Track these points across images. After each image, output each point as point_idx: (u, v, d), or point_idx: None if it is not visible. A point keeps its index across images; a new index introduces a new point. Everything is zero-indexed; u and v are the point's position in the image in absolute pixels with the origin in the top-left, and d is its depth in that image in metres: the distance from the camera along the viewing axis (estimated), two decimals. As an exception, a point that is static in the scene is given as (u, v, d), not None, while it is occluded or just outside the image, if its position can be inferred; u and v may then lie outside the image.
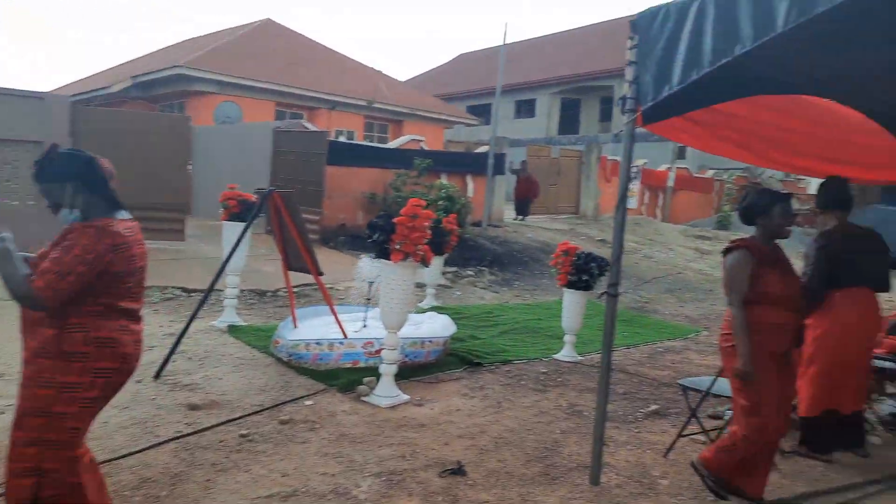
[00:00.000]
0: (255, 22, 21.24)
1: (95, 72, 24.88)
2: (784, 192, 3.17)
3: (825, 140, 5.24)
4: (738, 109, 4.28)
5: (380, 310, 4.62)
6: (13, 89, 8.19)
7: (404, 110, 20.01)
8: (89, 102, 16.00)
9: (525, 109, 30.44)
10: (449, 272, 9.57)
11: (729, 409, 4.04)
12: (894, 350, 4.48)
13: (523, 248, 11.68)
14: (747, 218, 3.18)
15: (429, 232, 4.40)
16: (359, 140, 17.56)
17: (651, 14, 3.03)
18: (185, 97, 16.56)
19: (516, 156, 15.97)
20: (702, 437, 3.88)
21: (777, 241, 3.16)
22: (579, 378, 5.44)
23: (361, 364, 5.10)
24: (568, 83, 28.39)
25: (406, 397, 4.59)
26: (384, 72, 22.14)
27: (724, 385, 3.70)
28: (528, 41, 34.03)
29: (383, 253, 4.35)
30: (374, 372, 4.74)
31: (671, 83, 2.88)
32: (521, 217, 15.20)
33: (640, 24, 3.10)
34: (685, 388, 3.83)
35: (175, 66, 15.75)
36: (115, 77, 18.69)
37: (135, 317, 2.38)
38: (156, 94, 16.95)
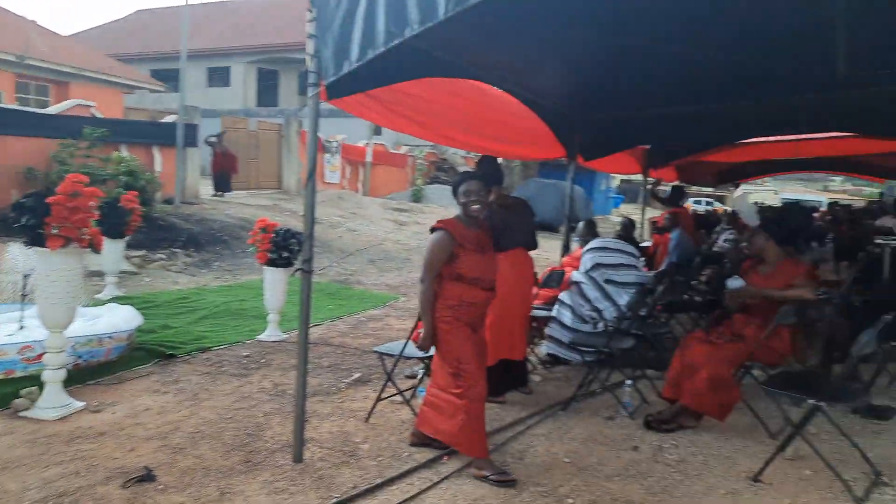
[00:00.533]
0: None
1: None
2: (471, 171, 3.38)
3: (490, 120, 5.94)
4: (414, 89, 4.57)
5: (37, 307, 3.89)
6: None
7: (70, 70, 17.06)
8: None
9: (219, 78, 28.49)
10: (135, 257, 8.57)
11: (420, 369, 4.38)
12: (548, 300, 5.32)
13: (223, 227, 11.02)
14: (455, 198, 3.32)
15: (96, 212, 3.81)
16: (8, 104, 14.51)
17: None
18: None
19: (210, 127, 14.91)
20: (399, 398, 4.12)
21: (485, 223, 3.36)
22: (284, 356, 5.34)
23: (19, 373, 4.26)
24: (266, 52, 27.36)
25: (80, 404, 3.97)
26: (39, 23, 18.59)
27: (414, 348, 3.97)
28: (221, 3, 31.84)
29: (37, 239, 3.64)
30: (37, 381, 3.99)
31: (350, 60, 2.92)
32: (220, 193, 14.31)
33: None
34: (381, 354, 4.01)
35: None
36: None
37: None
38: None
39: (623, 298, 5.00)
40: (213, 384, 4.58)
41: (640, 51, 4.50)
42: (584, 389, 4.26)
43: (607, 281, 5.09)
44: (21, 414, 3.80)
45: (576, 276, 4.99)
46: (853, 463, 3.07)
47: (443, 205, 19.05)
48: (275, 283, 5.88)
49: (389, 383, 3.97)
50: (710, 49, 4.47)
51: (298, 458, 3.33)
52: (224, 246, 10.21)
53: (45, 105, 15.64)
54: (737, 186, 27.45)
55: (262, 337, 5.86)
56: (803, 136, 10.22)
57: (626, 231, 7.14)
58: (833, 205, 16.37)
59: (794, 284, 3.54)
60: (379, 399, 4.00)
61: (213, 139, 14.40)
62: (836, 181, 46.83)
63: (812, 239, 6.62)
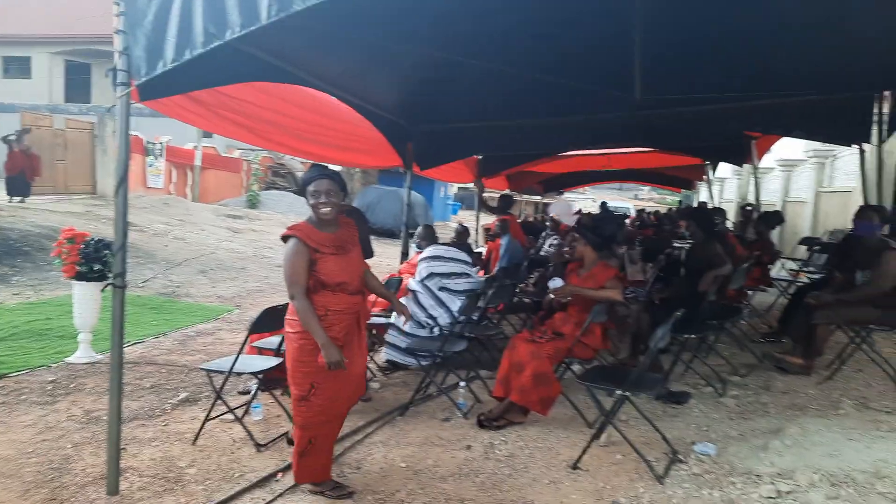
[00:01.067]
0: None
1: None
2: (321, 167, 3.04)
3: (325, 128, 5.88)
4: (243, 93, 4.41)
5: None
6: None
7: None
8: None
9: (18, 68, 25.29)
10: None
11: (254, 384, 4.21)
12: (387, 307, 5.37)
13: (23, 236, 9.75)
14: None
15: None
16: None
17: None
18: None
19: (7, 123, 13.17)
20: (230, 416, 3.92)
21: (347, 219, 3.08)
22: (98, 379, 4.85)
23: None
24: (75, 43, 24.71)
25: None
26: None
27: (247, 361, 3.81)
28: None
29: None
30: None
31: (165, 60, 2.73)
32: (19, 198, 12.66)
33: (126, -11, 2.84)
34: (209, 372, 3.80)
35: None
36: None
37: None
38: None
39: (456, 305, 5.19)
40: (9, 416, 4.05)
41: (466, 65, 4.72)
42: (422, 393, 4.35)
43: (441, 289, 5.25)
44: None
45: (412, 284, 5.09)
46: (656, 445, 3.44)
47: (280, 211, 18.48)
48: (86, 299, 5.32)
49: (219, 401, 3.76)
50: (529, 69, 4.82)
51: (114, 490, 3.05)
52: (25, 258, 9.04)
53: None
54: (561, 194, 29.70)
55: (71, 359, 5.27)
56: (613, 151, 11.38)
57: (461, 238, 7.43)
58: (641, 212, 18.28)
59: (606, 286, 3.91)
60: (207, 419, 3.78)
61: (11, 137, 12.72)
62: (644, 190, 52.45)
63: (623, 243, 7.32)
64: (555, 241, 10.79)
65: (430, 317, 5.11)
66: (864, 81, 5.49)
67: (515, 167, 11.55)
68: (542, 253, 9.95)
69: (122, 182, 3.03)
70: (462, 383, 4.25)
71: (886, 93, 5.62)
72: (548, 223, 12.93)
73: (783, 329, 5.50)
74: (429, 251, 5.40)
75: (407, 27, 3.98)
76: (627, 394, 3.10)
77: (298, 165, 25.28)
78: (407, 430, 3.87)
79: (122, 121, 2.97)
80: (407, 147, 7.08)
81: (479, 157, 9.96)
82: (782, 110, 6.00)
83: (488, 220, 12.30)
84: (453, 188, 33.42)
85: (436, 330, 5.13)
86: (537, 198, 30.68)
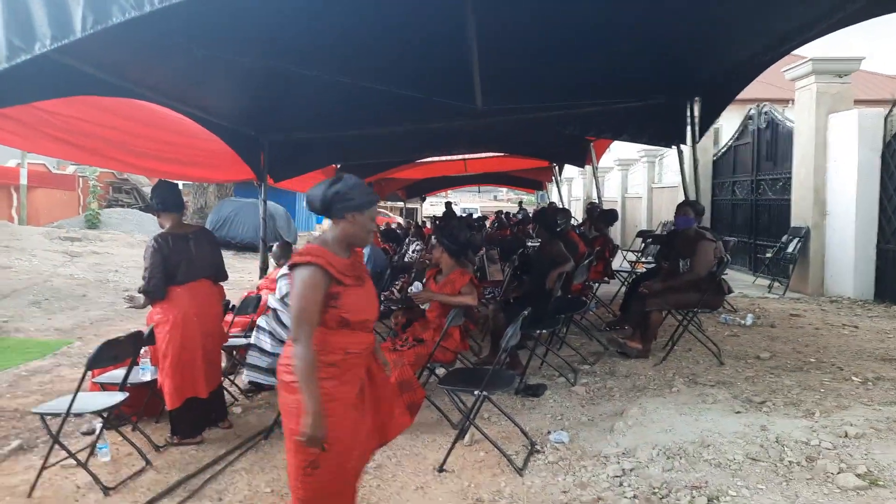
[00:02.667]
0: None
1: None
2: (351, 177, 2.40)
3: (166, 142, 5.57)
4: (66, 108, 4.08)
5: None
6: None
7: None
8: None
9: None
10: None
11: (98, 422, 3.88)
12: (245, 327, 5.18)
13: None
14: (328, 209, 2.34)
15: None
16: None
17: None
18: None
19: None
20: (72, 461, 3.59)
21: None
22: None
23: None
24: None
25: None
26: None
27: (86, 400, 3.51)
28: None
29: None
30: None
31: None
32: None
33: None
34: (43, 415, 3.45)
35: None
36: None
37: None
38: None
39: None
40: None
41: (306, 76, 4.67)
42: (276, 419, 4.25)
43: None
44: None
45: (271, 301, 4.95)
46: (515, 438, 3.63)
47: (126, 230, 17.12)
48: None
49: (57, 446, 3.43)
50: (368, 79, 4.87)
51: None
52: None
53: None
54: (424, 200, 30.21)
55: None
56: (469, 156, 11.82)
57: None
58: (499, 213, 19.06)
59: (462, 292, 4.05)
60: (44, 467, 3.44)
61: None
62: (503, 192, 54.70)
63: (482, 245, 7.61)
64: (418, 247, 10.99)
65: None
66: (679, 89, 6.17)
67: (376, 175, 11.62)
68: (406, 259, 10.08)
69: None
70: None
71: (697, 98, 6.37)
72: (411, 229, 13.12)
73: (625, 317, 6.01)
74: (287, 268, 5.29)
75: (237, 36, 3.87)
76: (485, 393, 3.24)
77: (144, 180, 23.57)
78: (272, 453, 3.76)
79: None
80: (259, 158, 6.89)
81: (338, 166, 9.91)
82: (610, 116, 6.60)
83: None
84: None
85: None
86: (400, 204, 30.98)
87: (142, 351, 4.00)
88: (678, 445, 3.23)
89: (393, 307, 6.33)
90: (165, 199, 3.92)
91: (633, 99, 6.37)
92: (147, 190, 22.79)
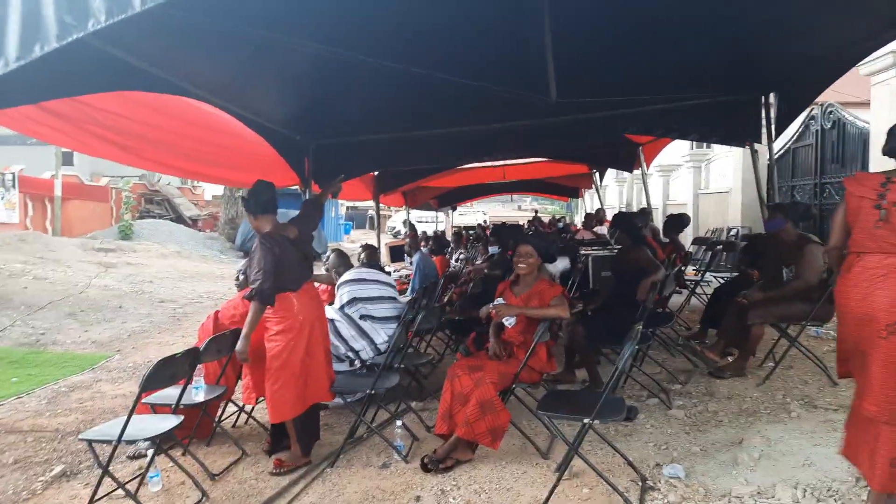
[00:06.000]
0: None
1: None
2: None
3: (213, 144, 5.25)
4: (111, 104, 3.76)
5: None
6: None
7: None
8: None
9: None
10: None
11: (149, 448, 3.51)
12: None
13: None
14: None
15: None
16: None
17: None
18: None
19: None
20: (121, 492, 3.22)
21: None
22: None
23: None
24: None
25: None
26: None
27: (139, 425, 3.14)
28: None
29: None
30: None
31: (7, 58, 2.11)
32: None
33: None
34: (91, 442, 3.09)
35: None
36: None
37: None
38: None
39: (380, 335, 4.71)
40: None
41: (362, 67, 4.31)
42: (351, 438, 3.85)
43: (364, 317, 4.76)
44: None
45: (329, 312, 4.57)
46: (619, 471, 3.17)
47: (159, 241, 16.98)
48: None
49: (107, 476, 3.07)
50: (440, 69, 4.49)
51: None
52: None
53: None
54: (454, 209, 29.83)
55: None
56: (510, 162, 11.41)
57: (371, 257, 6.95)
58: (533, 220, 18.55)
59: (551, 304, 3.60)
60: (93, 501, 3.07)
61: None
62: (526, 201, 54.15)
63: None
64: (461, 255, 10.57)
65: (352, 349, 4.62)
66: (755, 83, 5.70)
67: (412, 183, 11.27)
68: (450, 268, 9.68)
69: None
70: (398, 422, 3.79)
71: (772, 94, 5.89)
72: (451, 237, 12.73)
73: (705, 329, 5.51)
74: (350, 274, 4.92)
75: (297, 19, 3.52)
76: (596, 422, 2.79)
77: (175, 192, 23.57)
78: (342, 483, 3.34)
79: None
80: (304, 164, 6.57)
81: (376, 173, 9.57)
82: (679, 113, 6.13)
83: (386, 239, 11.87)
84: (342, 207, 32.71)
85: (356, 363, 4.64)
86: (432, 213, 30.67)
87: (196, 369, 3.63)
88: (826, 484, 2.75)
89: (453, 317, 5.93)
90: (264, 200, 3.63)
91: (705, 94, 5.92)
92: (179, 201, 22.78)
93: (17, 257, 11.95)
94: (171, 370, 3.25)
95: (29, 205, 16.50)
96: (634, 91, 5.53)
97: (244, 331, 3.47)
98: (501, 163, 11.51)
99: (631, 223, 5.00)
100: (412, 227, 9.69)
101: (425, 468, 3.40)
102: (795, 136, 10.84)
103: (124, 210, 19.75)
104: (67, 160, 19.99)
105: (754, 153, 6.66)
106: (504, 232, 10.18)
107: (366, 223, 38.47)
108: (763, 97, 6.05)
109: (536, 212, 24.49)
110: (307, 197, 6.93)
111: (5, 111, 2.88)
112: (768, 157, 9.56)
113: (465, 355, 4.23)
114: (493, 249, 8.83)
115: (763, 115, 6.07)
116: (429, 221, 29.82)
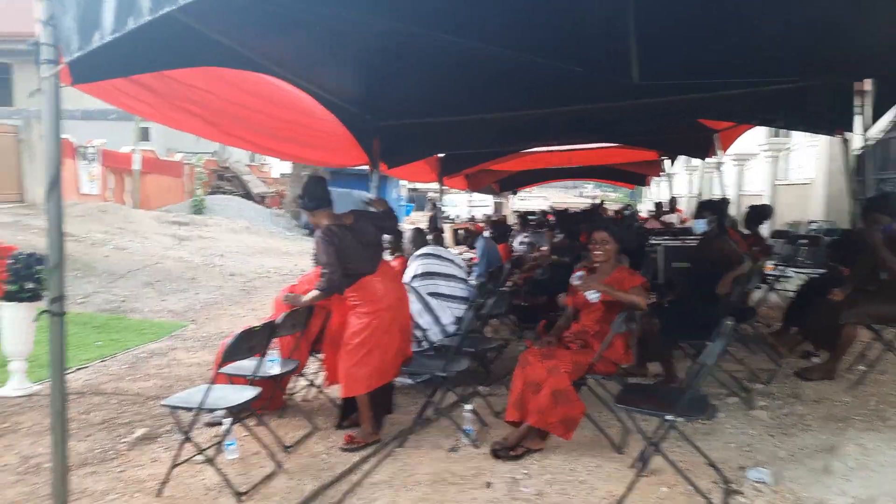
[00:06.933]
0: None
1: None
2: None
3: (286, 121, 5.30)
4: (194, 79, 3.84)
5: None
6: None
7: None
8: None
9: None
10: None
11: (227, 416, 3.61)
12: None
13: (-61, 251, 8.72)
14: None
15: None
16: None
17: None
18: None
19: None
20: (200, 458, 3.32)
21: None
22: (37, 416, 4.17)
23: None
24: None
25: None
26: None
27: (219, 394, 3.22)
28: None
29: None
30: None
31: (102, 31, 2.16)
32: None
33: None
34: (173, 408, 3.19)
35: None
36: None
37: None
38: None
39: (446, 314, 4.70)
40: (-78, 471, 3.34)
41: (436, 45, 4.23)
42: (420, 419, 3.85)
43: (432, 294, 4.76)
44: None
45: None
46: (699, 471, 3.05)
47: (229, 216, 17.49)
48: (17, 323, 4.59)
49: (188, 441, 3.17)
50: (504, 50, 4.36)
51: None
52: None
53: None
54: (515, 193, 29.53)
55: (3, 392, 4.54)
56: (577, 147, 11.12)
57: (438, 241, 6.93)
58: (596, 207, 18.12)
59: (630, 293, 3.49)
60: (175, 465, 3.18)
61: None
62: (588, 187, 52.96)
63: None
64: (525, 239, 10.44)
65: (418, 327, 4.62)
66: (847, 68, 5.32)
67: (476, 166, 11.16)
68: (513, 253, 9.57)
69: (55, 186, 2.42)
70: (468, 407, 3.76)
71: (868, 80, 5.48)
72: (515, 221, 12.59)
73: (788, 327, 5.24)
74: (426, 248, 4.95)
75: (380, 6, 3.50)
76: (680, 419, 2.68)
77: (244, 169, 24.20)
78: (412, 464, 3.35)
79: (50, 107, 2.36)
80: (374, 144, 6.58)
81: (442, 155, 9.50)
82: (763, 98, 5.79)
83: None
84: (404, 189, 32.89)
85: (424, 344, 4.64)
86: (488, 197, 30.49)
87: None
88: (935, 502, 2.56)
89: (521, 303, 5.86)
90: (318, 196, 3.71)
91: (793, 78, 5.56)
92: (248, 178, 23.38)
93: (99, 227, 12.53)
94: (249, 343, 3.31)
95: (109, 178, 17.26)
96: (718, 73, 5.25)
97: (303, 299, 3.64)
98: (568, 147, 11.24)
99: (723, 209, 4.76)
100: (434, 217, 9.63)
101: (496, 454, 3.37)
102: (890, 127, 10.18)
103: (197, 185, 20.44)
104: (145, 135, 20.79)
105: (845, 142, 6.25)
106: (573, 218, 9.98)
107: (425, 205, 38.62)
108: (857, 83, 5.65)
109: (602, 200, 23.99)
110: (374, 177, 6.96)
111: (99, 84, 2.96)
112: (858, 147, 8.97)
113: (535, 342, 4.16)
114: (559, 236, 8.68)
115: (856, 102, 5.67)
116: (482, 206, 29.71)
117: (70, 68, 2.38)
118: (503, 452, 3.36)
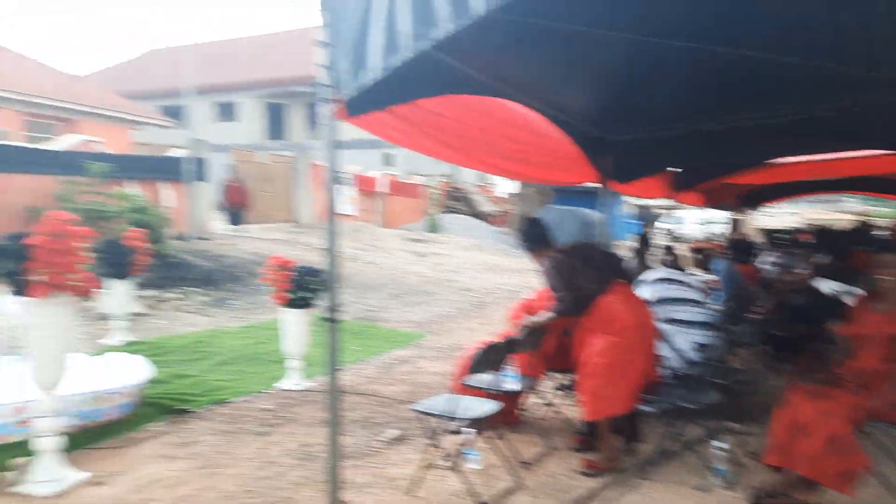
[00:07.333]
0: None
1: None
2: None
3: (515, 140, 5.45)
4: (437, 107, 4.13)
5: (31, 364, 3.37)
6: None
7: (79, 108, 16.90)
8: None
9: (227, 113, 28.56)
10: (147, 297, 8.08)
11: (469, 426, 3.79)
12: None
13: (238, 262, 10.55)
14: None
15: (84, 254, 3.31)
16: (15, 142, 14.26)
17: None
18: None
19: (220, 162, 14.63)
20: (445, 463, 3.53)
21: None
22: (310, 409, 4.79)
23: (13, 437, 3.72)
24: (272, 87, 27.37)
25: (80, 476, 3.43)
26: (47, 63, 18.56)
27: (465, 405, 3.39)
28: (229, 40, 32.07)
29: (20, 287, 3.15)
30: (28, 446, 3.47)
31: (369, 69, 2.44)
32: (233, 227, 13.96)
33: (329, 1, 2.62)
34: (423, 414, 3.43)
35: None
36: None
37: None
38: None
39: (682, 341, 4.40)
40: (232, 446, 4.03)
41: (669, 63, 4.00)
42: (661, 448, 3.65)
43: (669, 320, 4.51)
44: (11, 490, 3.26)
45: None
46: None
47: (460, 234, 18.53)
48: (295, 327, 5.34)
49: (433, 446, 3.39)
50: (750, 50, 3.95)
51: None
52: (239, 283, 9.71)
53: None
54: (756, 209, 26.79)
55: (282, 385, 5.31)
56: (838, 156, 9.70)
57: (674, 263, 6.57)
58: (862, 227, 15.66)
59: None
60: (423, 467, 3.41)
61: (230, 173, 14.18)
62: (851, 202, 45.86)
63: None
64: (774, 259, 9.40)
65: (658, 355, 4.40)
66: None
67: (714, 179, 10.34)
68: (759, 274, 8.68)
69: (333, 211, 2.80)
70: (720, 445, 3.47)
71: None
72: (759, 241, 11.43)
73: None
74: (658, 273, 4.72)
75: (615, 16, 3.41)
76: None
77: (473, 189, 25.49)
78: (656, 498, 3.20)
79: (329, 142, 2.73)
80: (605, 160, 6.47)
81: (676, 169, 8.96)
82: None
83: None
84: (629, 206, 31.73)
85: (665, 372, 4.40)
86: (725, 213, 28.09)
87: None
88: None
89: (776, 332, 5.28)
90: (536, 237, 3.85)
91: None
92: (476, 198, 24.54)
93: (353, 244, 14.10)
94: (492, 356, 3.45)
95: (360, 200, 19.42)
96: None
97: (536, 321, 3.68)
98: (826, 156, 9.90)
99: None
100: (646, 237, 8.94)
101: (758, 501, 3.05)
102: None
103: (431, 205, 22.02)
104: (389, 161, 23.00)
105: None
106: (841, 237, 8.78)
107: (652, 222, 36.88)
108: None
109: (867, 217, 20.68)
110: (603, 194, 6.83)
111: (365, 116, 3.34)
112: None
113: (799, 378, 3.71)
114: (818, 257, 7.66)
115: None
116: (717, 222, 27.34)
117: (347, 106, 2.74)
118: (765, 501, 3.04)
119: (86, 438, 3.90)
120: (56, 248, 3.14)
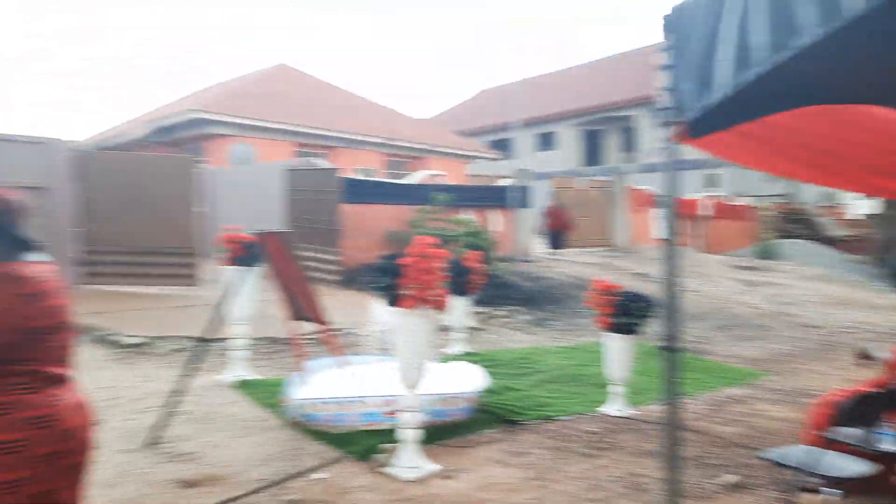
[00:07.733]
0: (270, 67, 21.24)
1: (123, 121, 25.05)
2: None
3: (888, 152, 4.57)
4: (790, 121, 3.63)
5: (397, 365, 3.98)
6: (11, 135, 7.91)
7: (424, 147, 19.69)
8: (110, 149, 15.89)
9: (547, 142, 30.09)
10: (480, 313, 8.88)
11: (829, 485, 3.25)
12: None
13: (556, 284, 10.95)
14: None
15: (443, 273, 3.81)
16: (381, 178, 17.18)
17: (689, 6, 2.43)
18: (203, 140, 16.38)
19: (541, 189, 15.43)
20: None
21: None
22: (634, 438, 4.67)
23: (382, 425, 4.43)
24: (588, 114, 27.99)
25: (433, 468, 3.91)
26: (400, 111, 22.08)
27: (830, 460, 2.92)
28: (548, 74, 33.91)
29: (393, 299, 3.77)
30: (394, 434, 4.08)
31: (715, 88, 2.25)
32: (554, 251, 14.58)
33: (674, 21, 2.51)
34: (777, 464, 3.06)
35: (191, 111, 15.64)
36: (136, 124, 18.76)
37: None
38: (176, 138, 16.85)
39: None
40: (560, 462, 4.15)
41: None
42: None
43: None
44: (381, 470, 3.86)
45: None
46: None
47: (800, 261, 16.29)
48: (619, 352, 5.27)
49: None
50: None
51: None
52: (559, 304, 10.05)
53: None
54: None
55: (605, 410, 5.28)
56: None
57: None
58: None
59: None
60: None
61: (552, 200, 14.92)
62: None
63: None
64: None
65: None
66: None
67: None
68: None
69: (671, 235, 2.68)
70: None
71: None
72: None
73: None
74: None
75: None
76: None
77: (816, 210, 22.26)
78: None
79: (668, 166, 2.62)
80: None
81: None
82: None
83: None
84: None
85: None
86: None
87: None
88: None
89: None
90: None
91: None
92: (821, 220, 21.41)
93: (671, 270, 13.48)
94: (865, 408, 2.93)
95: (679, 223, 18.52)
96: None
97: None
98: None
99: None
100: None
101: None
102: None
103: (763, 229, 19.85)
104: (712, 182, 21.48)
105: None
106: None
107: None
108: None
109: None
110: None
111: (705, 138, 3.14)
112: None
113: None
114: None
115: None
116: None
117: (689, 128, 2.62)
118: None
119: (435, 435, 4.41)
120: (422, 267, 3.68)
